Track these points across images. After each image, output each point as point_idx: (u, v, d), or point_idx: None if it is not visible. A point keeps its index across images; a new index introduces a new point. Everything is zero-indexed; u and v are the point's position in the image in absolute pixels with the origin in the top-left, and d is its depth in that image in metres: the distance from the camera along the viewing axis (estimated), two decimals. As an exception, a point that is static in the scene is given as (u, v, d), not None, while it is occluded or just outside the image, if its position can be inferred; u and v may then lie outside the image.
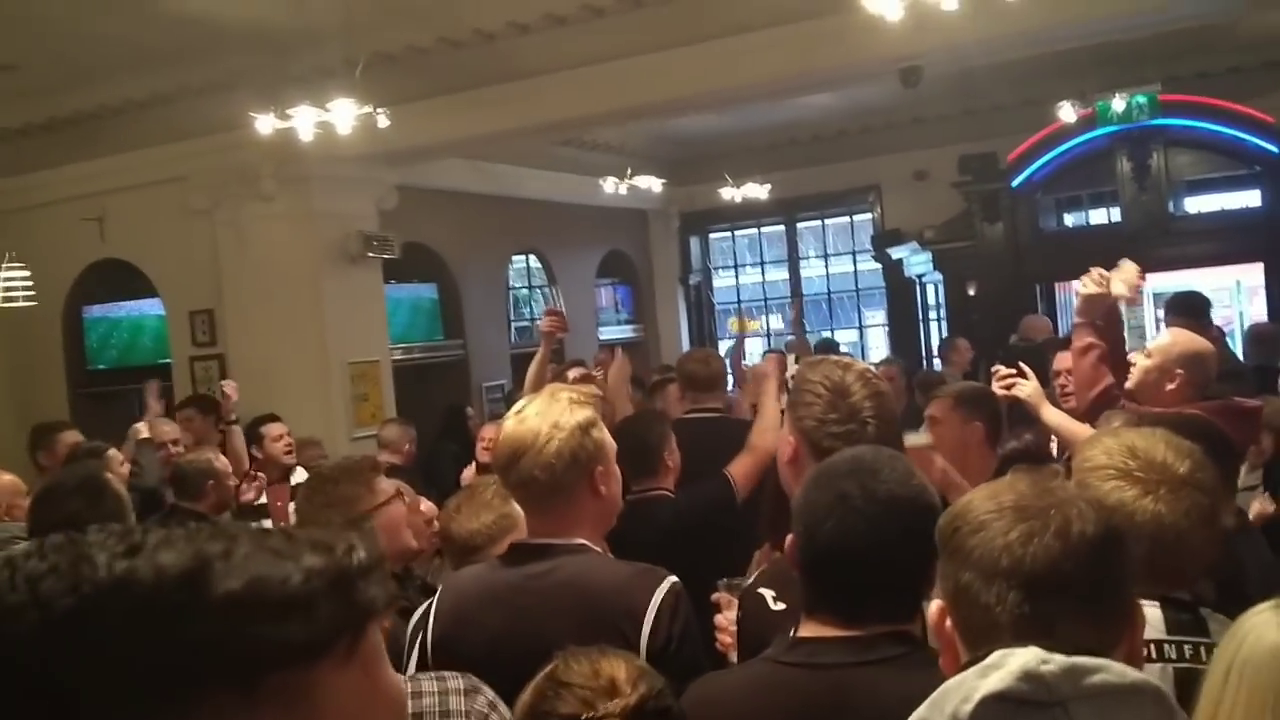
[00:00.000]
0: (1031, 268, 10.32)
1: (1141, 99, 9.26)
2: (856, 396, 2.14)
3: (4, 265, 7.44)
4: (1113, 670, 1.12)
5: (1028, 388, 3.64)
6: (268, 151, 7.14)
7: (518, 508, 2.60)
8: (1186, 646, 1.81)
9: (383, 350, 8.69)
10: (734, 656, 2.32)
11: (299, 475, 6.14)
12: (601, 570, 2.19)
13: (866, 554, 1.65)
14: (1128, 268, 3.70)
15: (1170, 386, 3.53)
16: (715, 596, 2.52)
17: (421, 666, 2.28)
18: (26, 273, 7.49)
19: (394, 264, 8.96)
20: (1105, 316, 3.69)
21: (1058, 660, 1.10)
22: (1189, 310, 5.65)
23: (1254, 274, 10.03)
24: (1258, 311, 9.95)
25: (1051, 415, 3.61)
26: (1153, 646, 1.87)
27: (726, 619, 2.38)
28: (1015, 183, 10.24)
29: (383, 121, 6.31)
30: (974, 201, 10.46)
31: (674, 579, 2.17)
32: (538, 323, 4.64)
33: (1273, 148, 9.29)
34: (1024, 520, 1.31)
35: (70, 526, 2.20)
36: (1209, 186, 10.16)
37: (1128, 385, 3.58)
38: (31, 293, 7.54)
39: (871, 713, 1.57)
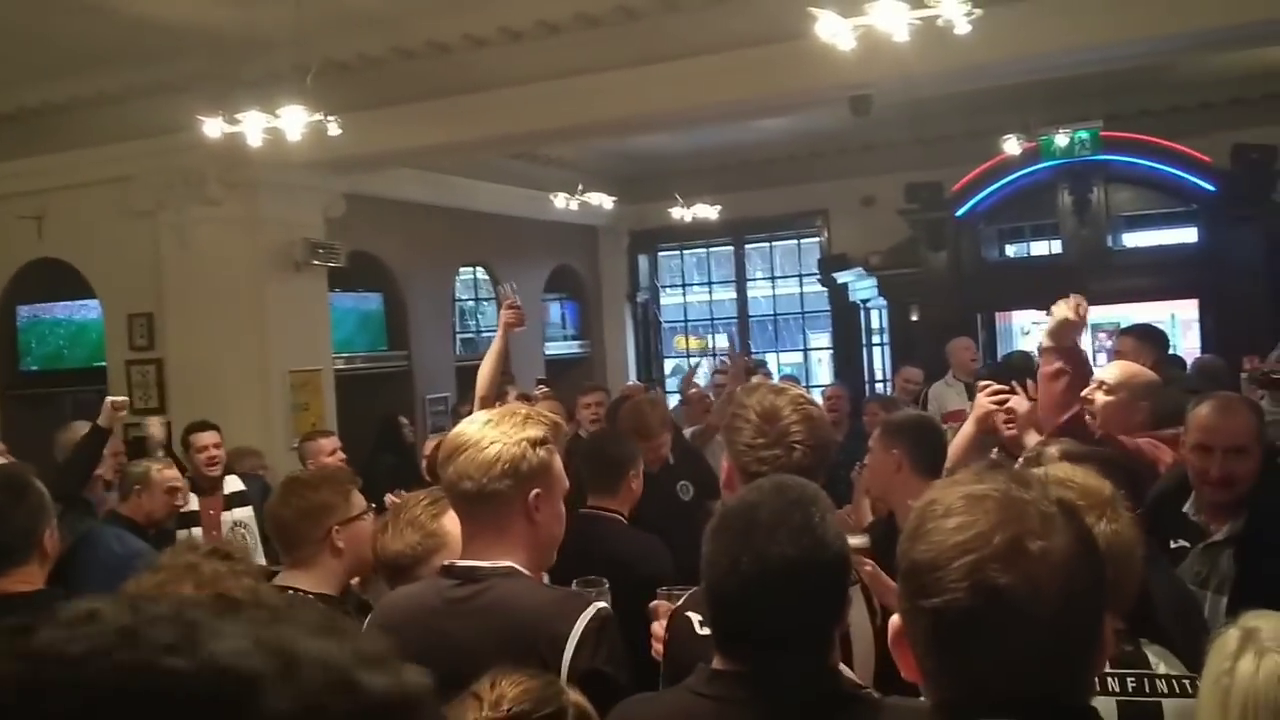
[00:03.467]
0: (973, 296, 10.48)
1: (1084, 135, 9.47)
2: (785, 421, 2.16)
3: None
4: None
5: (1024, 404, 3.59)
6: (215, 155, 7.04)
7: (447, 525, 2.57)
8: (1129, 679, 1.84)
9: (325, 359, 8.61)
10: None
11: (232, 484, 6.05)
12: (526, 595, 2.14)
13: (764, 617, 1.63)
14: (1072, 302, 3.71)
15: (1139, 418, 3.63)
16: (653, 604, 2.53)
17: None
18: (-40, 270, 7.31)
19: (339, 272, 8.88)
20: (1071, 349, 3.70)
21: None
22: (1153, 340, 5.74)
23: (1188, 309, 10.27)
24: (1191, 345, 10.19)
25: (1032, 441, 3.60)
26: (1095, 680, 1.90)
27: (663, 627, 2.38)
28: (959, 212, 10.40)
29: (333, 129, 6.25)
30: (919, 229, 10.62)
31: (601, 605, 2.14)
32: (503, 311, 4.42)
33: (1209, 186, 9.53)
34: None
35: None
36: (1147, 222, 10.40)
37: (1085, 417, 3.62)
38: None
39: None
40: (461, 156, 9.45)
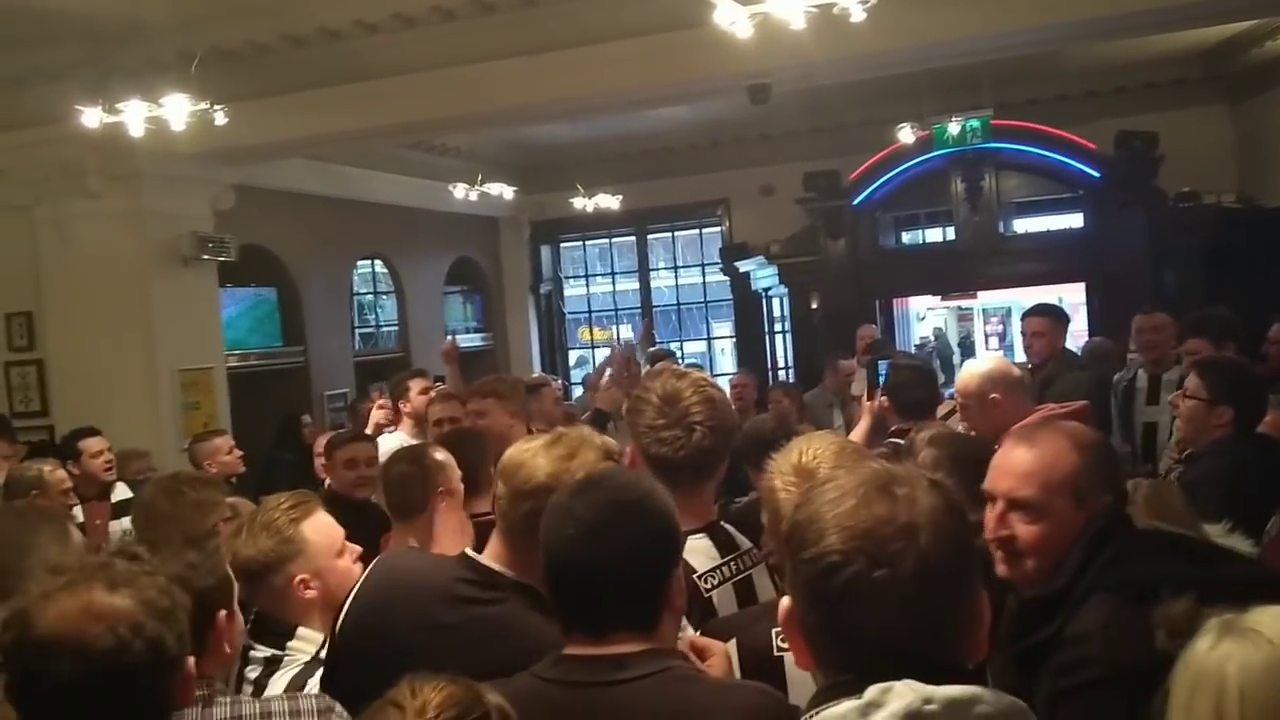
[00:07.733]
0: (871, 283, 10.63)
1: (975, 123, 9.65)
2: (686, 402, 2.16)
3: None
4: (986, 699, 1.15)
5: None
6: (95, 146, 6.82)
7: (306, 532, 2.44)
8: None
9: (216, 356, 8.38)
10: None
11: (120, 492, 5.84)
12: (539, 620, 1.89)
13: (592, 560, 1.64)
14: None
15: (996, 411, 3.66)
16: None
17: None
18: None
19: (230, 267, 8.63)
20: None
21: (939, 697, 1.12)
22: (1056, 317, 5.89)
23: (1076, 292, 10.57)
24: (1079, 328, 10.49)
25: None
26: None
27: None
28: (856, 201, 10.53)
29: (219, 119, 6.12)
30: (818, 218, 10.72)
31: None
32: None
33: (1094, 172, 9.81)
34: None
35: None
36: (1036, 209, 10.66)
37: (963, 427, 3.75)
38: None
39: None
40: (355, 146, 9.27)
